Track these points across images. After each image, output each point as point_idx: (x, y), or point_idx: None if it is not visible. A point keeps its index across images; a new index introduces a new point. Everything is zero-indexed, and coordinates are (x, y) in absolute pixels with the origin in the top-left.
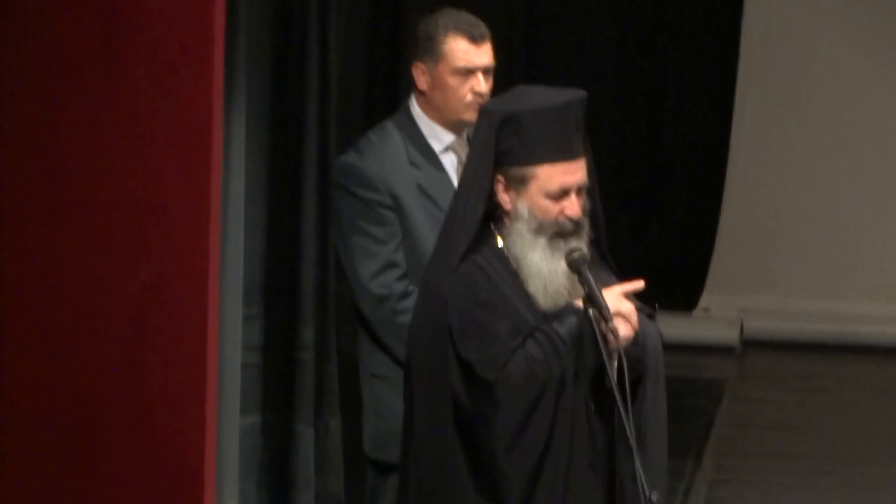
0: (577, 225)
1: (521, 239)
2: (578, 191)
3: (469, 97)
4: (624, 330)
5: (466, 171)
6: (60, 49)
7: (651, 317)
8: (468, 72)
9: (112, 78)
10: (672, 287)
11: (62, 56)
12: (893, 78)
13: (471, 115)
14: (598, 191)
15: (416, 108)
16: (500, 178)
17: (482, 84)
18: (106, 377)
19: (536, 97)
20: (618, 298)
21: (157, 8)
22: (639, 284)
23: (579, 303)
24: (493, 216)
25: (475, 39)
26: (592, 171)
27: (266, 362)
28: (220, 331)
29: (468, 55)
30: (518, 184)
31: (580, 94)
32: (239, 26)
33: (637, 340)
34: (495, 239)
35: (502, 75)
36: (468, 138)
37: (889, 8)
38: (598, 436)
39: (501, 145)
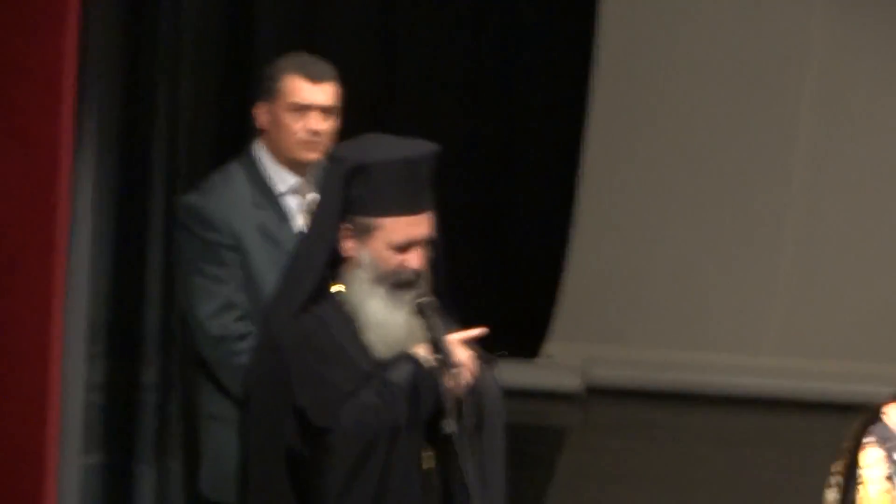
0: (416, 276)
1: (360, 287)
2: (423, 243)
3: (303, 134)
4: (464, 377)
5: (313, 217)
6: None
7: (489, 364)
8: (303, 109)
9: None
10: (516, 334)
11: None
12: (739, 141)
13: (305, 154)
14: (442, 237)
15: (260, 150)
16: (346, 225)
17: (317, 122)
18: None
19: (388, 147)
20: (458, 346)
21: (5, 51)
22: (479, 332)
23: (418, 350)
24: (335, 263)
25: (312, 78)
26: (435, 220)
27: (108, 402)
28: (64, 370)
29: (303, 92)
30: (363, 233)
31: (431, 147)
32: (89, 70)
33: (475, 388)
34: (334, 286)
35: (350, 124)
36: (314, 181)
37: (730, 62)
38: (434, 484)
39: (350, 193)
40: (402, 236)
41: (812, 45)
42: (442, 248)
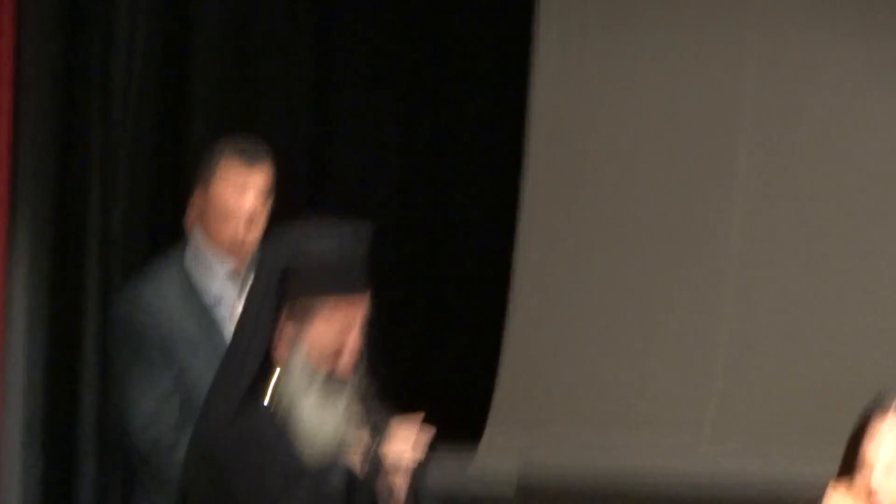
0: (355, 361)
1: (297, 382)
2: (360, 326)
3: (241, 217)
4: (402, 473)
5: (247, 310)
6: None
7: (426, 461)
8: (239, 191)
9: None
10: (453, 423)
11: None
12: (673, 223)
13: (241, 237)
14: (377, 323)
15: (196, 239)
16: (283, 314)
17: (253, 204)
18: None
19: (320, 233)
20: (397, 445)
21: None
22: (417, 418)
23: (354, 454)
24: (267, 363)
25: (248, 160)
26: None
27: (45, 495)
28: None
29: (238, 175)
30: (300, 319)
31: (365, 227)
32: (22, 157)
33: (412, 488)
34: (265, 390)
35: (286, 201)
36: (253, 263)
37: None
38: None
39: (285, 282)
40: (341, 319)
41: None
42: (377, 329)
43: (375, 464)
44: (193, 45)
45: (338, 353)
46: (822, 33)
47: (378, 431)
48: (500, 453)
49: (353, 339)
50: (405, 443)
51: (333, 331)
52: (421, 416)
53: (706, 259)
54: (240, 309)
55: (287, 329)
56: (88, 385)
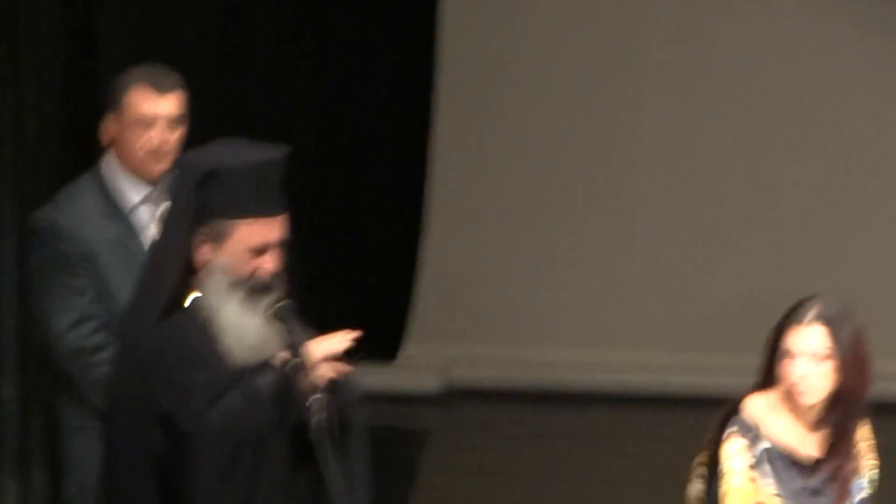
0: (272, 280)
1: (216, 293)
2: (278, 246)
3: (150, 145)
4: (322, 380)
5: (165, 224)
6: None
7: (347, 368)
8: (149, 120)
9: None
10: (375, 335)
11: None
12: (587, 132)
13: (153, 165)
14: (295, 240)
15: (110, 162)
16: (200, 231)
17: (164, 133)
18: None
19: (238, 152)
20: (318, 347)
21: None
22: (351, 334)
23: (280, 355)
24: (190, 271)
25: (158, 89)
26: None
27: None
28: None
29: (149, 104)
30: (217, 237)
31: (282, 149)
32: None
33: (337, 391)
34: (188, 294)
35: (197, 129)
36: (166, 190)
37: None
38: (302, 488)
39: (202, 199)
40: (257, 240)
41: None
42: (296, 251)
43: (299, 367)
44: None
45: (254, 271)
46: None
47: (299, 347)
48: (421, 369)
49: (268, 260)
50: (327, 348)
51: (249, 251)
52: (343, 331)
53: (621, 173)
54: (158, 223)
55: (204, 247)
56: (8, 303)
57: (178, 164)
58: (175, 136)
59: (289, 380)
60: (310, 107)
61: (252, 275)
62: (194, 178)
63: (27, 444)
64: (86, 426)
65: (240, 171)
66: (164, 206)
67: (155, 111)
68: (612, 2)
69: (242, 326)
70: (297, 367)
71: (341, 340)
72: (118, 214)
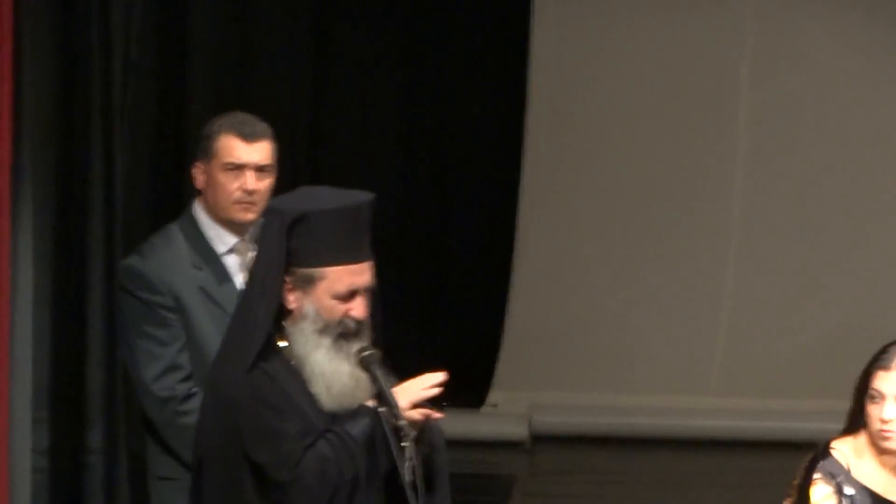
0: (360, 326)
1: (304, 339)
2: (365, 292)
3: (237, 194)
4: (413, 425)
5: (255, 271)
6: None
7: (434, 417)
8: (237, 168)
9: None
10: (460, 384)
11: None
12: (676, 186)
13: (239, 214)
14: (381, 290)
15: (198, 211)
16: (288, 278)
17: (250, 181)
18: None
19: (326, 198)
20: (406, 393)
21: None
22: (438, 378)
23: (370, 402)
24: (279, 318)
25: (246, 137)
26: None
27: (55, 466)
28: (10, 435)
29: (237, 151)
30: (306, 284)
31: (368, 195)
32: (23, 134)
33: (424, 439)
34: (277, 341)
35: (287, 176)
36: (253, 239)
37: (674, 96)
38: None
39: (290, 245)
40: (344, 286)
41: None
42: (380, 298)
43: (389, 416)
44: (191, 17)
45: (343, 318)
46: None
47: (387, 396)
48: (506, 417)
49: (356, 306)
50: (415, 394)
51: (336, 297)
52: (430, 375)
53: (709, 220)
54: (245, 271)
55: (293, 294)
56: (95, 353)
57: (266, 212)
58: (264, 185)
59: (379, 427)
60: (397, 148)
61: (340, 321)
62: (282, 225)
63: (113, 493)
64: (172, 476)
65: (326, 217)
66: (252, 254)
67: (243, 159)
68: (704, 22)
69: (331, 374)
70: (386, 415)
71: (429, 385)
72: (205, 263)
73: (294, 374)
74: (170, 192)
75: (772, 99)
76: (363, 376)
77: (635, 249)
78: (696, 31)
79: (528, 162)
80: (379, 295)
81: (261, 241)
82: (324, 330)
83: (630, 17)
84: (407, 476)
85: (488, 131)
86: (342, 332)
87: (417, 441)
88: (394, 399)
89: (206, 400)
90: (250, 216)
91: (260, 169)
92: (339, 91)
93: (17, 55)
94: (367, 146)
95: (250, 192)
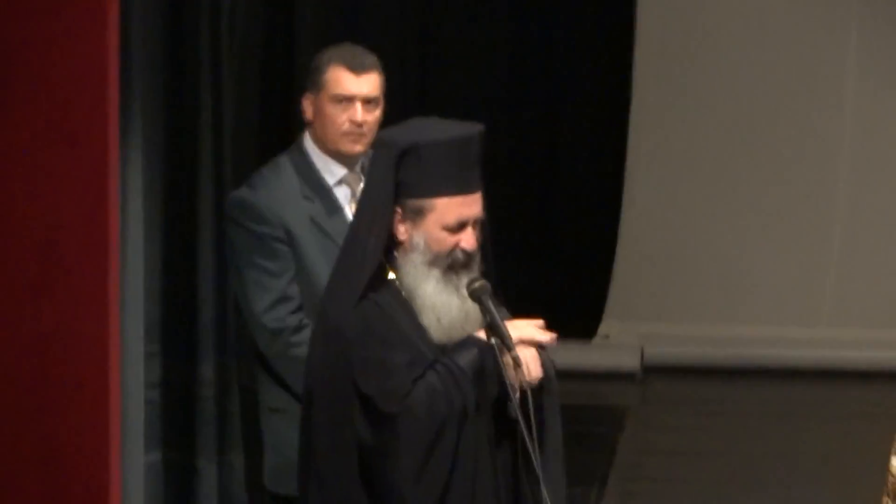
0: (470, 257)
1: (414, 271)
2: (474, 224)
3: (346, 126)
4: (526, 358)
5: (364, 202)
6: None
7: (541, 346)
8: (346, 100)
9: (6, 120)
10: (571, 315)
11: None
12: (786, 114)
13: (348, 146)
14: (490, 222)
15: (308, 142)
16: (398, 209)
17: (359, 113)
18: (9, 419)
19: (435, 129)
20: (518, 328)
21: (50, 51)
22: (538, 322)
23: (479, 334)
24: (389, 248)
25: (355, 69)
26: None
27: (166, 399)
28: (122, 369)
29: (346, 83)
30: (415, 215)
31: (478, 127)
32: (132, 68)
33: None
34: (387, 272)
35: (395, 108)
36: (363, 170)
37: (789, 37)
38: (502, 465)
39: (400, 176)
40: (454, 217)
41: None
42: (491, 230)
43: (500, 347)
44: None
45: (452, 249)
46: None
47: (499, 327)
48: (618, 347)
49: (466, 237)
50: (528, 331)
51: (445, 228)
52: (539, 321)
53: (819, 151)
54: (355, 202)
55: (402, 225)
56: (205, 286)
57: (376, 143)
58: (372, 117)
59: (489, 358)
60: (504, 80)
61: (449, 253)
62: (392, 156)
63: (225, 426)
64: (284, 408)
65: (437, 148)
66: (362, 185)
67: (352, 91)
68: (809, 5)
69: (441, 306)
70: (497, 347)
71: (537, 331)
72: (315, 194)
73: (404, 306)
74: (279, 124)
75: (882, 29)
76: (473, 308)
77: (746, 179)
78: None
79: (637, 91)
80: (489, 227)
81: (370, 173)
82: (433, 261)
83: None
84: (515, 409)
85: (596, 58)
86: (451, 264)
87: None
88: (506, 330)
89: (315, 331)
90: (359, 148)
91: (368, 101)
92: (448, 23)
93: None
94: (476, 76)
95: (359, 124)
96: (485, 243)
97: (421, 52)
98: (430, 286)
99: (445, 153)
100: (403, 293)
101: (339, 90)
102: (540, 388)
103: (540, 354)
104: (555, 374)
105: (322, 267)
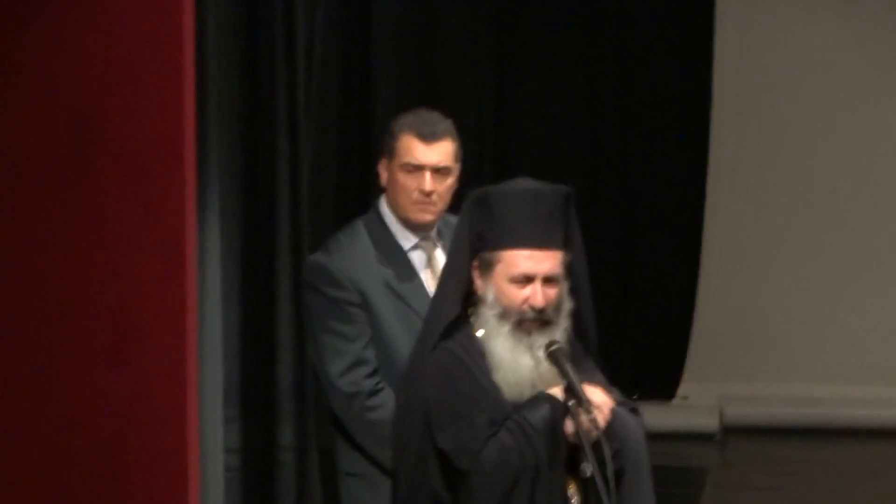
0: (540, 314)
1: (487, 324)
2: (545, 280)
3: (415, 195)
4: (600, 420)
5: (448, 255)
6: (33, 156)
7: (635, 411)
8: (416, 169)
9: (85, 184)
10: (650, 376)
11: (35, 163)
12: (858, 173)
13: (417, 215)
14: (586, 285)
15: (384, 207)
16: (475, 262)
17: (428, 182)
18: (89, 488)
19: (517, 183)
20: (594, 391)
21: (128, 113)
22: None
23: (555, 391)
24: (471, 302)
25: (426, 138)
26: (583, 269)
27: (246, 464)
28: (202, 434)
29: (416, 152)
30: (487, 267)
31: (561, 186)
32: (210, 131)
33: (614, 433)
34: (470, 325)
35: (473, 170)
36: (439, 235)
37: (865, 74)
38: None
39: (476, 228)
40: (520, 269)
41: None
42: (586, 296)
43: (576, 406)
44: (374, 9)
45: (521, 304)
46: None
47: (575, 386)
48: (698, 409)
49: (533, 294)
50: (604, 394)
51: (511, 281)
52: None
53: (893, 211)
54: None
55: (477, 278)
56: (284, 350)
57: (467, 197)
58: (442, 186)
59: (560, 415)
60: (583, 140)
61: (519, 309)
62: (468, 207)
63: (304, 489)
64: (359, 472)
65: (506, 199)
66: (437, 251)
67: (421, 161)
68: (883, 18)
69: (510, 364)
70: (577, 407)
71: (609, 400)
72: (391, 259)
73: (480, 358)
74: (355, 188)
75: None
76: (547, 369)
77: (824, 238)
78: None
79: (714, 152)
80: (588, 291)
81: (457, 225)
82: (502, 315)
83: (811, 10)
84: (589, 468)
85: (673, 123)
86: (520, 320)
87: (607, 435)
88: (584, 393)
89: (400, 382)
90: (428, 217)
91: (437, 170)
92: (523, 84)
93: (200, 53)
94: (552, 140)
95: (427, 193)
96: (581, 307)
97: (496, 117)
98: (500, 343)
99: (514, 205)
100: (477, 347)
101: (409, 159)
102: (620, 451)
103: (629, 417)
104: (642, 438)
105: (397, 331)
